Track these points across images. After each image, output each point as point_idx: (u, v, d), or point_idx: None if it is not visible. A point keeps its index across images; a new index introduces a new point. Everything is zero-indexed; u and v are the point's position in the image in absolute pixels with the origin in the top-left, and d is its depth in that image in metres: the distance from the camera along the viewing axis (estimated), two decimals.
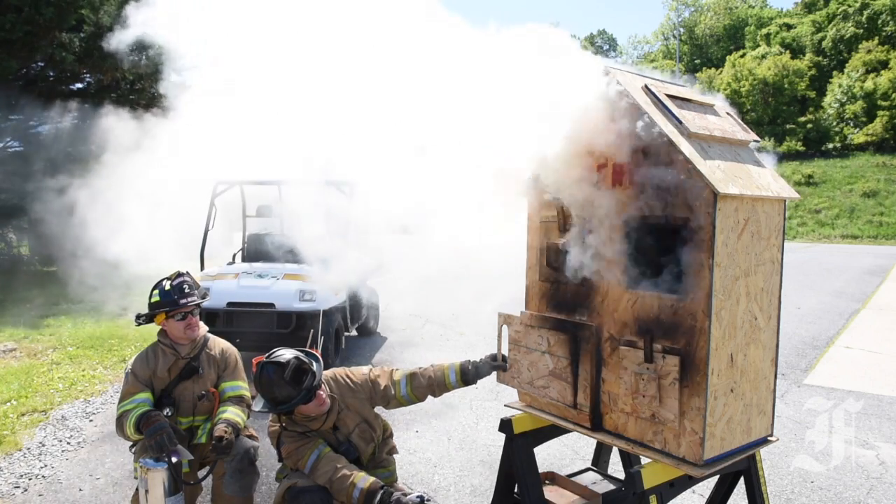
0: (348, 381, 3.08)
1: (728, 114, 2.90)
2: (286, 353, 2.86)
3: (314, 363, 2.89)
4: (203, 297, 3.43)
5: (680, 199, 2.42)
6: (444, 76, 2.61)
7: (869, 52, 42.83)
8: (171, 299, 3.28)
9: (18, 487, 4.31)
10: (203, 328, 3.48)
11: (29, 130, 15.02)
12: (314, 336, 6.22)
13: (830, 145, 40.45)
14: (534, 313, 3.04)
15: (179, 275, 3.39)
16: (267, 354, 2.89)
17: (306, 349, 2.98)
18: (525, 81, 2.55)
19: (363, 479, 2.75)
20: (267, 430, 3.05)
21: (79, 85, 15.92)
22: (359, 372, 3.13)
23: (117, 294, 11.52)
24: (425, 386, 3.06)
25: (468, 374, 3.05)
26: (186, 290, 3.32)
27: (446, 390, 3.08)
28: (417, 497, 2.66)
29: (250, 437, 3.38)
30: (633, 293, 2.59)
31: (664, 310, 2.49)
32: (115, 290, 11.84)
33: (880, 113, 38.32)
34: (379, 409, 3.18)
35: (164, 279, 3.36)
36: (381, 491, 2.70)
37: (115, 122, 7.30)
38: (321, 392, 2.86)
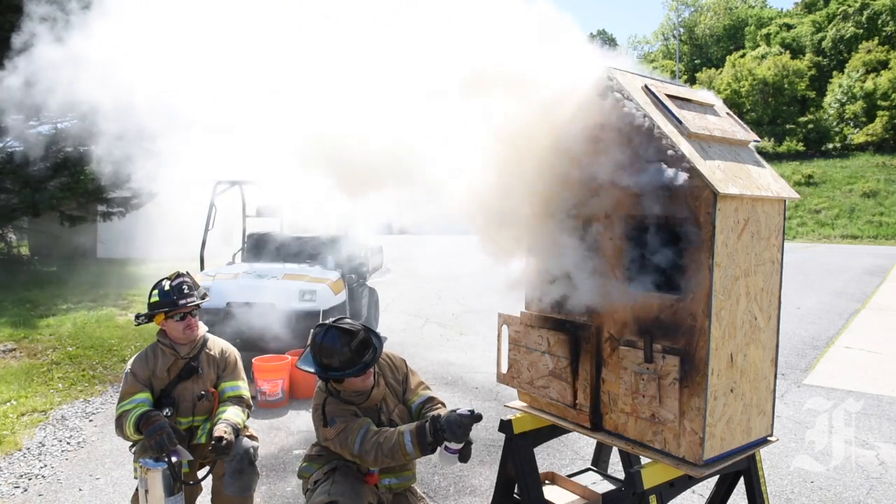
0: (390, 361, 3.07)
1: (728, 114, 2.90)
2: (356, 324, 2.81)
3: (375, 340, 2.86)
4: (203, 298, 3.43)
5: (680, 200, 2.42)
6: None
7: (869, 52, 42.87)
8: (171, 299, 3.28)
9: (18, 487, 4.31)
10: (203, 328, 3.48)
11: (28, 130, 15.00)
12: None
13: (830, 145, 40.48)
14: (534, 313, 3.04)
15: (179, 275, 3.38)
16: (333, 320, 2.84)
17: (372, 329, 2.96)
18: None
19: (406, 426, 2.71)
20: (311, 412, 2.97)
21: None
22: (397, 357, 3.11)
23: (117, 294, 11.53)
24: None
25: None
26: (186, 291, 3.31)
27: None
28: (468, 410, 2.61)
29: (250, 437, 3.37)
30: (633, 293, 2.59)
31: (664, 310, 2.48)
32: (116, 289, 11.86)
33: (880, 113, 38.37)
34: None
35: (163, 279, 3.35)
36: (428, 421, 2.65)
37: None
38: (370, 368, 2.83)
